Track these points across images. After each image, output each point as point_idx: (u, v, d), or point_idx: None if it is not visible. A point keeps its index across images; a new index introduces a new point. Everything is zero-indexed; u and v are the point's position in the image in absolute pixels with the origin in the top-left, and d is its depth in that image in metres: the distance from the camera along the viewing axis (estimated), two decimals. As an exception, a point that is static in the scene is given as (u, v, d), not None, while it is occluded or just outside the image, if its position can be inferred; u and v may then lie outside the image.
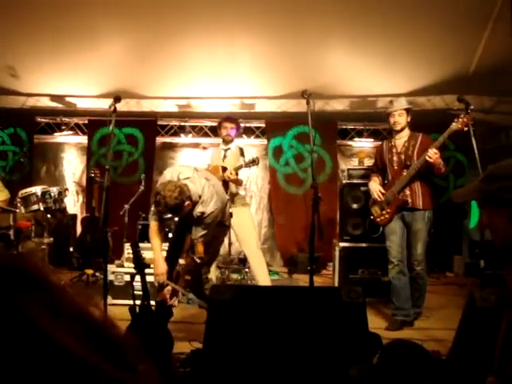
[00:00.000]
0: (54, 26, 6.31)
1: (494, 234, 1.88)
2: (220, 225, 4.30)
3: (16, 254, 0.54)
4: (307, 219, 4.06)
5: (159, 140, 8.97)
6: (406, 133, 4.96)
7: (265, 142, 8.78)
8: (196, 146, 9.12)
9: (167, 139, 9.07)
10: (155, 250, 4.06)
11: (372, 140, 8.85)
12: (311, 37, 6.50)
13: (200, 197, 3.93)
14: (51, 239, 5.67)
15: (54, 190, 5.50)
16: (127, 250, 5.57)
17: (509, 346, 1.94)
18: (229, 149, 5.86)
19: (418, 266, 4.82)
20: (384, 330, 4.66)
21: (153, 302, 3.67)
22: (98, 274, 6.44)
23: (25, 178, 8.29)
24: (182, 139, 9.09)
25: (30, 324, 0.44)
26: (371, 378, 2.34)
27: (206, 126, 8.96)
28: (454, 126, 4.52)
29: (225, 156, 5.83)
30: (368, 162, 7.29)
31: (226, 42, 6.66)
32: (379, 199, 4.99)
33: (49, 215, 5.60)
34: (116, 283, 5.51)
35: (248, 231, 5.57)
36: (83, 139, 8.93)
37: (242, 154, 5.84)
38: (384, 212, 4.96)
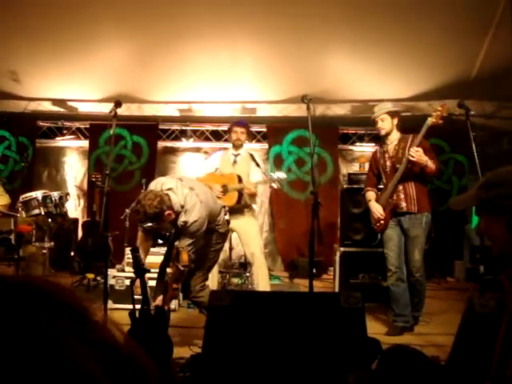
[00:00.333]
0: (56, 30, 6.33)
1: (492, 241, 1.89)
2: (211, 232, 4.27)
3: (56, 284, 0.54)
4: (308, 224, 4.06)
5: (160, 144, 8.99)
6: (396, 136, 4.89)
7: (266, 146, 8.79)
8: (197, 150, 9.13)
9: (168, 143, 9.08)
10: None
11: (373, 145, 8.82)
12: (312, 42, 6.51)
13: (182, 206, 3.92)
14: (52, 243, 5.66)
15: (55, 195, 5.49)
16: (128, 254, 5.57)
17: (507, 351, 1.94)
18: (239, 154, 5.77)
19: (417, 272, 4.77)
20: (384, 335, 4.65)
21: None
22: (98, 278, 6.45)
23: (26, 182, 8.30)
24: (183, 143, 9.10)
25: (56, 347, 0.45)
26: (370, 383, 2.34)
27: (207, 131, 8.97)
28: (430, 120, 4.56)
29: (235, 161, 5.74)
30: (369, 165, 7.30)
31: (228, 46, 6.68)
32: (381, 218, 4.92)
33: (50, 219, 5.59)
34: (117, 288, 5.52)
35: (253, 237, 5.56)
36: (85, 143, 8.95)
37: (253, 159, 5.82)
38: (379, 218, 4.95)
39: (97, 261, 6.51)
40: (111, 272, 5.52)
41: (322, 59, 6.87)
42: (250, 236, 5.54)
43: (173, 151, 9.16)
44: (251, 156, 5.82)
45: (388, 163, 4.89)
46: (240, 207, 5.45)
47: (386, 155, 4.94)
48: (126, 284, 5.44)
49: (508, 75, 6.24)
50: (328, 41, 6.53)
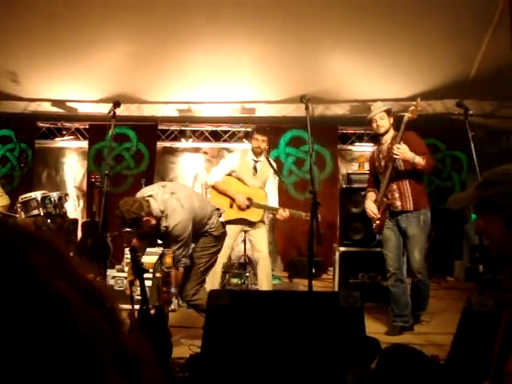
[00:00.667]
0: (55, 31, 6.33)
1: (490, 240, 1.89)
2: (204, 235, 4.29)
3: (25, 223, 0.62)
4: (308, 224, 4.07)
5: (160, 145, 8.98)
6: (390, 135, 4.87)
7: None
8: (197, 150, 9.14)
9: (168, 144, 9.09)
10: None
11: (372, 144, 8.82)
12: (311, 41, 6.52)
13: (163, 212, 3.98)
14: (51, 244, 5.66)
15: (54, 195, 5.51)
16: (127, 254, 5.58)
17: (506, 350, 1.94)
18: (259, 161, 5.74)
19: (419, 273, 4.70)
20: (384, 334, 4.65)
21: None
22: (98, 278, 6.44)
23: (25, 183, 8.30)
24: (182, 144, 9.10)
25: (31, 269, 0.50)
26: (368, 383, 2.34)
27: (206, 131, 8.97)
28: (406, 116, 4.56)
29: (255, 168, 5.71)
30: (368, 167, 7.30)
31: (227, 46, 6.68)
32: (375, 217, 4.93)
33: (49, 220, 5.60)
34: (116, 288, 5.52)
35: (262, 239, 5.60)
36: (84, 144, 8.95)
37: (271, 166, 5.83)
38: (376, 218, 4.93)
39: (96, 261, 6.51)
40: (110, 272, 5.52)
41: (321, 59, 6.88)
42: (260, 239, 5.57)
43: (172, 151, 9.16)
44: (269, 163, 5.82)
45: (382, 163, 4.87)
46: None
47: (381, 155, 4.93)
48: (125, 284, 5.44)
49: (507, 75, 6.25)
50: (327, 41, 6.53)
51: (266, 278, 5.51)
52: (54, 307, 0.49)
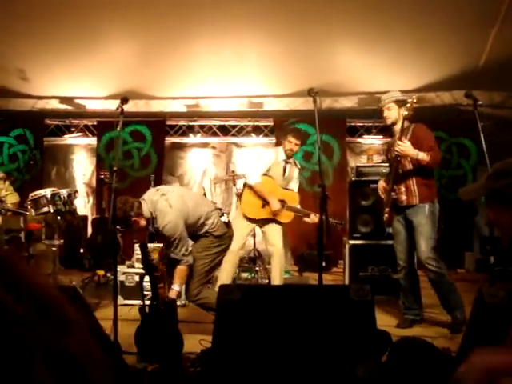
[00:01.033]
0: (63, 29, 6.34)
1: (501, 232, 1.87)
2: (205, 236, 4.30)
3: None
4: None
5: (168, 140, 9.00)
6: (400, 127, 4.66)
7: (273, 140, 8.78)
8: (205, 145, 9.14)
9: (176, 139, 9.10)
10: None
11: (381, 137, 8.82)
12: (319, 34, 6.49)
13: (152, 213, 4.10)
14: (62, 241, 5.69)
15: (64, 192, 5.52)
16: (137, 250, 5.60)
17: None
18: (289, 163, 5.71)
19: (428, 264, 4.54)
20: (394, 327, 4.64)
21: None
22: (108, 274, 6.47)
23: (35, 180, 8.35)
24: (190, 139, 9.11)
25: None
26: (379, 376, 2.34)
27: (214, 126, 8.98)
28: (403, 114, 4.53)
29: (285, 169, 5.67)
30: (377, 159, 7.27)
31: (234, 41, 6.67)
32: (382, 195, 4.89)
33: (59, 217, 5.61)
34: (127, 284, 5.55)
35: (277, 234, 5.58)
36: (92, 141, 8.98)
37: (297, 167, 5.83)
38: (385, 212, 4.89)
39: (107, 257, 6.54)
40: (121, 268, 5.54)
41: (329, 52, 6.85)
42: (274, 233, 5.57)
43: (180, 147, 9.17)
44: (295, 163, 5.82)
45: (393, 155, 4.72)
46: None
47: (392, 147, 4.77)
48: (135, 280, 5.47)
49: (516, 64, 6.20)
50: (334, 34, 6.50)
51: (279, 272, 5.52)
52: None
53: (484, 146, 4.10)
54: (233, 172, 7.66)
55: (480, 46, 6.46)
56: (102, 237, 7.40)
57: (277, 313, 2.55)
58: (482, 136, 4.11)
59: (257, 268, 6.73)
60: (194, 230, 4.26)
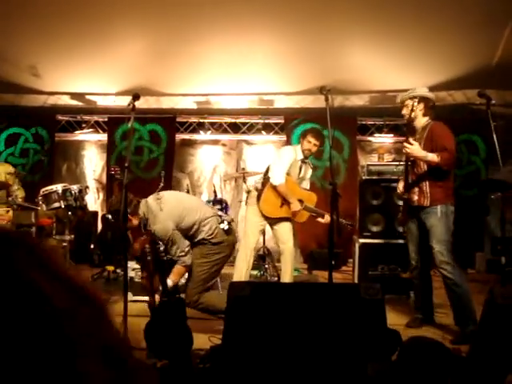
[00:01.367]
0: (74, 25, 6.37)
1: None
2: (201, 243, 4.29)
3: (19, 231, 0.65)
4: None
5: (178, 137, 9.01)
6: (421, 124, 4.62)
7: (284, 138, 8.76)
8: (215, 142, 9.14)
9: (186, 136, 9.10)
10: None
11: (392, 135, 8.78)
12: (330, 32, 6.47)
13: (145, 215, 4.19)
14: (72, 236, 5.72)
15: (75, 188, 5.55)
16: (147, 247, 5.60)
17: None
18: (306, 162, 5.70)
19: (441, 268, 4.44)
20: (404, 326, 4.62)
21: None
22: (118, 270, 6.49)
23: (46, 175, 8.39)
24: (201, 136, 9.12)
25: (19, 272, 0.54)
26: (389, 375, 2.33)
27: (225, 123, 8.97)
28: (404, 113, 4.56)
29: (300, 168, 5.66)
30: (388, 158, 7.24)
31: (245, 38, 6.66)
32: (399, 192, 4.84)
33: (70, 213, 5.64)
34: (136, 280, 5.56)
35: (288, 231, 5.57)
36: (103, 137, 9.01)
37: (311, 166, 5.83)
38: (401, 211, 4.85)
39: (116, 253, 6.56)
40: (131, 264, 5.56)
41: (340, 50, 6.83)
42: (285, 230, 5.56)
43: (191, 144, 9.18)
44: (309, 163, 5.80)
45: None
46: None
47: None
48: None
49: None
50: (345, 31, 6.48)
51: (289, 270, 5.50)
52: (33, 301, 0.53)
53: (497, 144, 4.07)
54: (243, 169, 7.67)
55: (493, 45, 6.42)
56: (111, 233, 7.42)
57: (287, 310, 2.55)
58: (494, 135, 4.07)
59: (266, 265, 6.73)
60: (191, 236, 4.26)
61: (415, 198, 4.57)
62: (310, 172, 5.79)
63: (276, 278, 6.39)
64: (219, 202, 6.89)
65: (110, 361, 0.56)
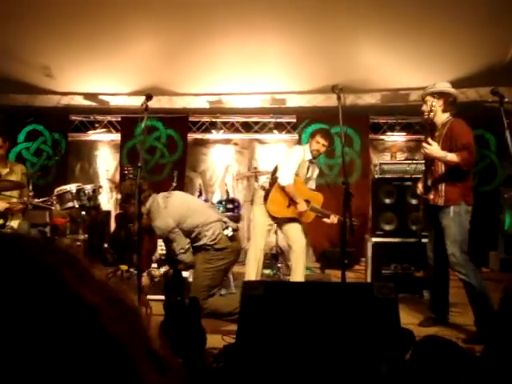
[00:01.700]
0: (87, 25, 6.41)
1: None
2: (204, 249, 4.30)
3: (64, 245, 0.66)
4: (339, 214, 4.03)
5: (191, 136, 9.03)
6: (441, 121, 4.50)
7: (296, 137, 8.77)
8: (228, 142, 9.16)
9: (199, 135, 9.13)
10: None
11: (404, 134, 8.76)
12: (341, 30, 6.46)
13: (148, 210, 4.25)
14: (86, 236, 5.76)
15: (88, 188, 5.59)
16: (160, 246, 5.64)
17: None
18: (314, 163, 5.69)
19: (455, 270, 4.40)
20: (417, 325, 4.61)
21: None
22: (132, 269, 6.53)
23: (60, 175, 8.45)
24: (213, 135, 9.14)
25: (61, 282, 0.54)
26: (403, 374, 2.33)
27: (237, 122, 8.99)
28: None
29: (308, 169, 5.64)
30: (400, 156, 7.22)
31: (256, 37, 6.66)
32: (418, 192, 4.79)
33: (83, 212, 5.68)
34: (149, 279, 5.58)
35: (298, 230, 5.56)
36: (116, 137, 9.06)
37: (318, 167, 5.83)
38: (419, 210, 4.81)
39: (130, 252, 6.60)
40: (144, 263, 5.59)
41: (352, 48, 6.81)
42: (294, 229, 5.55)
43: (203, 143, 9.20)
44: (319, 167, 5.82)
45: None
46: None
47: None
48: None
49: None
50: (357, 30, 6.46)
51: (300, 269, 5.49)
52: (84, 314, 0.53)
53: (509, 142, 4.03)
54: (255, 168, 7.68)
55: (506, 43, 6.38)
56: (125, 232, 7.46)
57: (300, 309, 2.55)
58: (507, 133, 4.03)
59: (279, 265, 6.73)
60: (193, 239, 4.27)
61: (431, 196, 4.52)
62: (316, 172, 5.78)
63: (288, 277, 6.39)
64: (231, 202, 6.91)
65: (159, 366, 0.57)
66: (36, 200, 5.47)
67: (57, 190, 5.50)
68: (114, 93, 8.28)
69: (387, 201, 6.11)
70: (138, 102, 4.24)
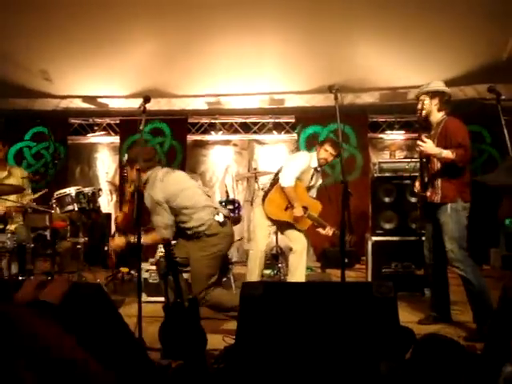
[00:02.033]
0: (85, 29, 6.41)
1: None
2: (196, 237, 4.28)
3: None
4: (339, 213, 4.01)
5: (190, 138, 9.05)
6: (436, 119, 4.54)
7: (295, 136, 8.78)
8: (227, 142, 9.17)
9: (198, 137, 9.15)
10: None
11: (403, 132, 8.77)
12: (339, 30, 6.46)
13: (147, 181, 4.28)
14: (86, 238, 5.76)
15: (88, 191, 5.59)
16: (160, 248, 5.64)
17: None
18: (318, 172, 5.68)
19: (453, 266, 4.40)
20: (417, 323, 4.61)
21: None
22: (132, 272, 6.54)
23: (60, 178, 8.46)
24: (212, 136, 9.16)
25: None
26: (402, 373, 2.33)
27: (236, 123, 9.00)
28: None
29: (312, 176, 5.64)
30: (399, 155, 7.22)
31: (254, 39, 6.67)
32: (415, 190, 4.80)
33: (83, 215, 5.69)
34: (150, 281, 5.60)
35: (297, 234, 5.56)
36: (115, 139, 9.07)
37: (320, 175, 5.81)
38: (417, 209, 4.82)
39: (130, 255, 6.60)
40: (144, 266, 5.59)
41: (349, 48, 6.82)
42: (293, 231, 5.55)
43: (202, 144, 9.22)
44: (320, 173, 5.79)
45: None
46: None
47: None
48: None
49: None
50: (354, 29, 6.47)
51: (298, 269, 5.47)
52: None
53: (508, 140, 4.02)
54: (255, 169, 7.68)
55: (503, 40, 6.38)
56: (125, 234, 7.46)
57: (299, 309, 2.56)
58: (505, 130, 4.03)
59: (279, 265, 6.73)
60: (181, 221, 4.26)
61: (428, 193, 4.54)
62: (320, 182, 5.76)
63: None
64: (232, 203, 6.90)
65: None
66: (35, 203, 5.47)
67: (56, 194, 5.50)
68: (112, 95, 8.28)
69: (387, 199, 6.12)
70: (136, 104, 4.23)
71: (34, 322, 0.65)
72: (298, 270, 5.46)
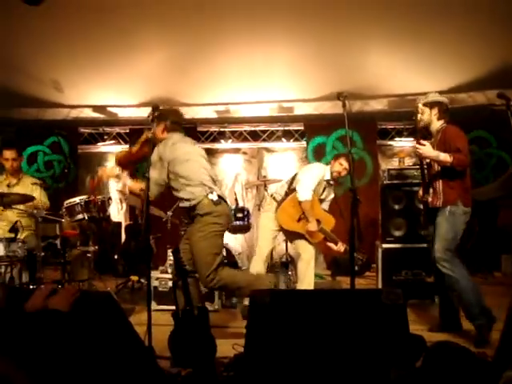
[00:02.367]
0: (95, 40, 6.47)
1: None
2: (193, 217, 4.28)
3: None
4: (349, 221, 4.01)
5: (200, 146, 9.02)
6: (436, 128, 4.64)
7: (304, 144, 8.79)
8: (236, 151, 9.19)
9: (207, 145, 9.16)
10: None
11: (412, 139, 8.74)
12: (347, 38, 6.47)
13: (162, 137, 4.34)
14: (96, 247, 5.78)
15: (98, 199, 5.61)
16: (170, 256, 5.66)
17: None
18: (331, 185, 5.67)
19: (439, 265, 4.40)
20: (427, 331, 4.58)
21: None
22: (142, 280, 6.55)
23: (70, 187, 8.51)
24: (222, 145, 9.18)
25: None
26: (413, 381, 2.32)
27: (245, 131, 9.02)
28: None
29: (324, 189, 5.64)
30: (408, 162, 7.19)
31: (263, 47, 6.70)
32: (419, 196, 4.85)
33: (93, 224, 5.72)
34: (160, 289, 5.60)
35: (305, 243, 5.54)
36: (125, 148, 9.10)
37: (333, 189, 5.79)
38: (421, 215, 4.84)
39: (140, 263, 6.62)
40: (154, 274, 5.60)
41: (358, 55, 6.82)
42: (303, 243, 5.54)
43: (212, 153, 9.23)
44: (333, 187, 5.77)
45: (427, 159, 4.63)
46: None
47: None
48: (169, 285, 5.52)
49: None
50: (363, 36, 6.47)
51: (307, 277, 5.46)
52: None
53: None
54: (264, 177, 7.69)
55: (512, 45, 6.36)
56: (135, 243, 7.49)
57: (308, 317, 2.55)
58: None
59: (289, 272, 6.72)
60: (173, 187, 4.29)
61: (430, 199, 4.61)
62: (331, 196, 5.74)
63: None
64: (241, 211, 6.91)
65: None
66: (45, 212, 5.49)
67: (66, 203, 5.53)
68: (122, 105, 8.34)
69: (396, 206, 6.10)
70: (146, 113, 4.27)
71: None
72: (307, 277, 5.45)
